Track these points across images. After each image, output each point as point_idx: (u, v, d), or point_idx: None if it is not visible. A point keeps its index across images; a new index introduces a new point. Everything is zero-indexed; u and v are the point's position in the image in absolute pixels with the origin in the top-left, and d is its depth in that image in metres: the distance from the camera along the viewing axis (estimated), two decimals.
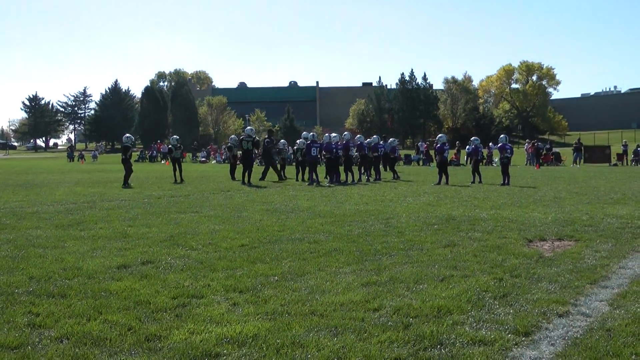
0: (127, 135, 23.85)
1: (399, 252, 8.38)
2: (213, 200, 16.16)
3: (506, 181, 22.09)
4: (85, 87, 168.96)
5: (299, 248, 8.74)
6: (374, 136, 28.67)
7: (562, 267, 7.37)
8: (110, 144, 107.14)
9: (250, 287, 6.45)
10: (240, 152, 25.41)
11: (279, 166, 27.11)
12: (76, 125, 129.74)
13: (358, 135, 27.51)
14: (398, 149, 36.53)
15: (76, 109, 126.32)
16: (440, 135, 24.58)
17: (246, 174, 23.44)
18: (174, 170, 25.04)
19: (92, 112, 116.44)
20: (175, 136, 27.29)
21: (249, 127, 25.53)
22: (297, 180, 25.20)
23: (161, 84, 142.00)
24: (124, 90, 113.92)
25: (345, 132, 26.60)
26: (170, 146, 26.57)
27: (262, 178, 25.00)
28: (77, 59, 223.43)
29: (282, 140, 26.80)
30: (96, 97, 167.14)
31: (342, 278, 6.86)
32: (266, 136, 27.38)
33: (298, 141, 26.12)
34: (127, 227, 10.83)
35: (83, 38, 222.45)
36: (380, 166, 27.47)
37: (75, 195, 18.06)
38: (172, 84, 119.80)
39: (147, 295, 6.10)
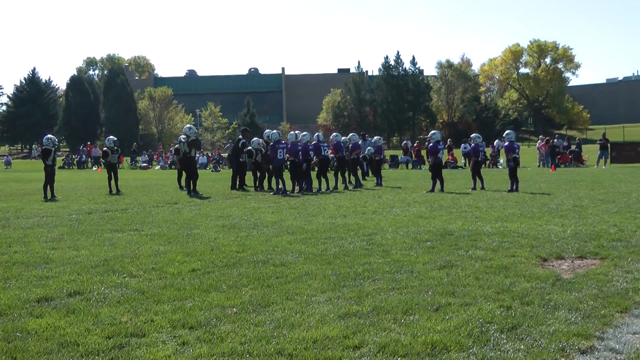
0: (48, 136, 23.63)
1: (384, 276, 8.41)
2: (157, 215, 16.07)
3: (514, 187, 22.26)
4: None
5: (262, 272, 8.73)
6: (351, 134, 28.67)
7: (585, 292, 7.44)
8: (28, 147, 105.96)
9: (202, 322, 6.43)
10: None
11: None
12: None
13: (335, 134, 27.45)
14: (384, 150, 36.67)
15: None
16: (433, 131, 24.67)
17: (190, 181, 23.35)
18: (109, 178, 24.85)
19: (3, 108, 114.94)
20: (111, 137, 27.06)
21: (187, 126, 25.33)
22: (256, 189, 25.27)
23: (91, 72, 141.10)
24: (43, 80, 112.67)
25: (318, 133, 26.51)
26: (105, 149, 26.34)
27: (233, 186, 25.60)
28: None
29: (255, 139, 26.52)
30: (8, 89, 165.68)
31: (316, 309, 6.87)
32: (240, 136, 27.39)
33: (253, 140, 26.11)
34: (50, 251, 10.74)
35: None
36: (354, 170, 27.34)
37: None
38: (105, 72, 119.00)
39: (75, 335, 6.05)
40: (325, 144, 25.66)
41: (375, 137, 31.26)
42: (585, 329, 6.04)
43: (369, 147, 30.42)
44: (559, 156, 45.27)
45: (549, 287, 7.68)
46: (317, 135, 25.76)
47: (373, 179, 28.17)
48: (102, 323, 6.44)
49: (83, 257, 10.07)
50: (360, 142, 30.33)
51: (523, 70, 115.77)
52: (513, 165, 22.70)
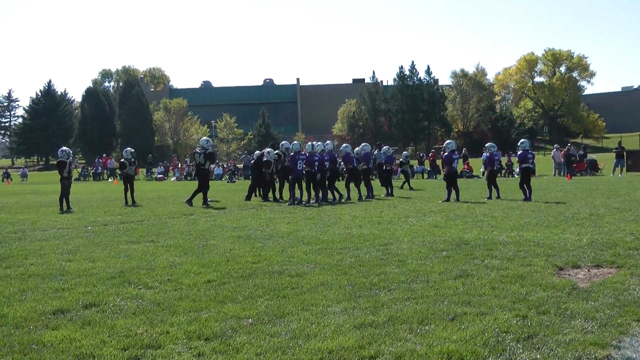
0: (63, 148, 23.76)
1: (399, 286, 8.40)
2: (173, 227, 16.12)
3: (528, 195, 22.16)
4: (10, 90, 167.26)
5: (278, 283, 8.73)
6: (363, 144, 28.57)
7: (601, 301, 7.40)
8: (44, 159, 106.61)
9: (218, 333, 6.44)
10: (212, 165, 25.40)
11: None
12: None
13: (345, 145, 27.37)
14: (395, 160, 36.62)
15: None
16: (448, 141, 24.64)
17: (201, 193, 23.47)
18: (126, 190, 24.92)
19: (20, 120, 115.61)
20: (129, 148, 27.15)
21: (204, 138, 25.44)
22: (270, 199, 25.36)
23: (106, 84, 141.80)
24: (59, 93, 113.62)
25: (328, 141, 26.50)
26: (122, 160, 26.41)
27: (273, 198, 25.78)
28: None
29: (268, 149, 26.58)
30: (24, 102, 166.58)
31: (331, 319, 6.86)
32: (268, 149, 27.54)
33: (266, 151, 26.23)
34: (66, 262, 10.78)
35: (6, 29, 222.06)
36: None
37: (0, 223, 17.96)
38: (120, 84, 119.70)
39: (91, 347, 6.07)
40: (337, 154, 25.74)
41: (384, 147, 30.97)
42: (602, 338, 6.01)
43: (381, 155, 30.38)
44: (574, 165, 45.04)
45: (565, 296, 7.64)
46: (328, 145, 25.69)
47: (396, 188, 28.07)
48: (118, 335, 6.46)
49: (99, 269, 10.10)
50: (376, 152, 30.30)
51: (538, 79, 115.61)
52: (525, 173, 22.71)
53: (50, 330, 6.69)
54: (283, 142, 27.33)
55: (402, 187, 31.88)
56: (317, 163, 23.35)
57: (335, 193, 24.39)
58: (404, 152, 34.79)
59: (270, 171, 25.77)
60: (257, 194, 26.82)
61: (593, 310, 6.96)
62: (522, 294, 7.79)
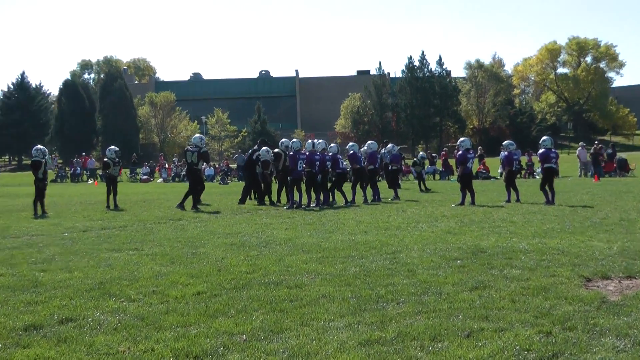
0: (38, 147, 23.73)
1: (409, 298, 8.39)
2: (159, 233, 16.12)
3: (550, 198, 22.13)
4: None
5: (274, 295, 8.73)
6: (369, 142, 28.45)
7: (634, 316, 7.39)
8: (17, 159, 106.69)
9: (209, 351, 6.43)
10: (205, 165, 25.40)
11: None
12: None
13: (351, 144, 27.30)
14: (403, 159, 36.65)
15: None
16: (462, 139, 24.64)
17: (191, 195, 23.45)
18: (108, 192, 24.90)
19: None
20: (113, 147, 27.00)
21: (198, 135, 25.43)
22: (266, 202, 25.37)
23: (86, 76, 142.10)
24: (34, 86, 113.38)
25: (332, 144, 26.47)
26: (106, 160, 26.31)
27: (270, 201, 25.71)
28: None
29: (264, 148, 26.58)
30: None
31: (334, 335, 6.85)
32: (255, 147, 27.39)
33: (262, 150, 26.26)
34: (40, 273, 10.76)
35: None
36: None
37: None
38: (101, 76, 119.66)
39: None
40: (341, 158, 25.70)
41: (389, 145, 30.81)
42: (636, 357, 5.99)
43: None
44: (602, 164, 44.89)
45: (594, 311, 7.62)
46: (332, 147, 25.69)
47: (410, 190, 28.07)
48: (97, 353, 6.44)
49: (76, 280, 10.08)
50: (382, 150, 30.24)
51: (561, 70, 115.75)
52: (546, 174, 22.66)
53: (22, 348, 6.67)
54: (283, 139, 27.26)
55: (424, 190, 31.79)
56: (318, 163, 23.39)
57: (332, 195, 24.42)
58: (420, 153, 34.91)
59: (269, 172, 25.76)
60: (252, 196, 26.83)
61: (625, 326, 6.94)
62: (545, 307, 7.78)
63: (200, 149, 23.74)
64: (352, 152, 26.14)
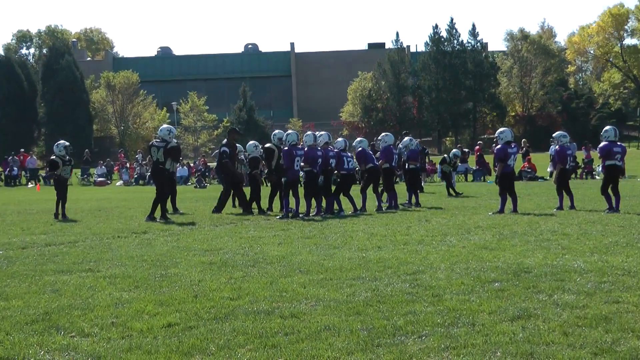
0: None
1: (434, 331, 8.42)
2: (119, 250, 16.10)
3: (614, 204, 22.12)
4: None
5: (265, 327, 8.75)
6: (383, 134, 28.27)
7: None
8: None
9: None
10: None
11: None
12: None
13: (359, 139, 27.20)
14: (426, 154, 36.70)
15: None
16: (502, 129, 24.56)
17: (160, 202, 23.45)
18: (59, 198, 24.85)
19: None
20: (62, 142, 26.45)
21: (165, 126, 25.15)
22: (254, 210, 25.38)
23: (24, 51, 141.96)
24: None
25: (339, 139, 26.47)
26: (53, 158, 25.97)
27: (258, 209, 25.63)
28: None
29: (251, 143, 26.58)
30: None
31: None
32: (224, 141, 27.27)
33: (248, 145, 26.31)
34: None
35: None
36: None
37: None
38: (44, 51, 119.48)
39: None
40: (349, 155, 25.65)
41: (405, 138, 30.54)
42: None
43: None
44: None
45: None
46: (339, 142, 25.71)
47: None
48: None
49: (14, 310, 10.09)
50: (399, 145, 30.19)
51: (629, 41, 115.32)
52: (609, 174, 22.57)
53: None
54: (276, 131, 27.06)
55: (453, 194, 31.84)
56: (319, 160, 23.37)
57: (338, 201, 24.41)
58: (453, 150, 35.11)
59: (259, 171, 25.75)
60: (234, 203, 26.90)
61: None
62: (607, 342, 7.80)
63: (168, 144, 23.68)
64: (360, 149, 26.00)
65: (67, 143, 26.48)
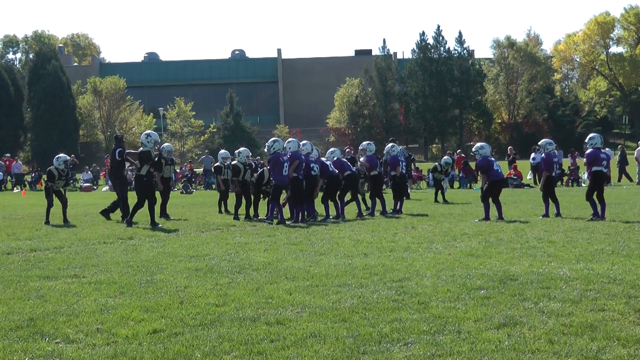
0: None
1: (420, 338, 8.43)
2: (104, 256, 16.08)
3: (600, 211, 22.14)
4: None
5: (251, 334, 8.76)
6: (365, 142, 28.21)
7: None
8: None
9: None
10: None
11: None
12: None
13: (367, 142, 27.19)
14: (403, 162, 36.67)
15: None
16: (479, 144, 24.21)
17: (133, 208, 23.44)
18: (49, 206, 24.79)
19: None
20: (63, 155, 25.38)
21: (146, 132, 24.74)
22: (239, 217, 25.34)
23: (10, 56, 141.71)
24: None
25: (333, 148, 26.51)
26: (51, 169, 25.63)
27: (245, 215, 25.45)
28: None
29: (243, 149, 26.54)
30: None
31: None
32: (114, 144, 26.59)
33: (241, 151, 26.30)
34: None
35: None
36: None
37: None
38: (31, 56, 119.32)
39: None
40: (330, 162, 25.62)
41: (388, 145, 30.43)
42: None
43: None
44: None
45: None
46: (334, 152, 25.80)
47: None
48: None
49: None
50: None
51: (615, 49, 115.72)
52: (594, 181, 22.56)
53: None
54: (241, 148, 27.02)
55: (440, 202, 31.86)
56: (303, 165, 23.48)
57: (326, 207, 24.45)
58: (445, 157, 35.38)
59: (241, 179, 25.70)
60: (221, 209, 26.90)
61: None
62: (592, 350, 7.83)
63: (140, 150, 23.57)
64: (335, 158, 25.97)
65: (69, 157, 26.19)
